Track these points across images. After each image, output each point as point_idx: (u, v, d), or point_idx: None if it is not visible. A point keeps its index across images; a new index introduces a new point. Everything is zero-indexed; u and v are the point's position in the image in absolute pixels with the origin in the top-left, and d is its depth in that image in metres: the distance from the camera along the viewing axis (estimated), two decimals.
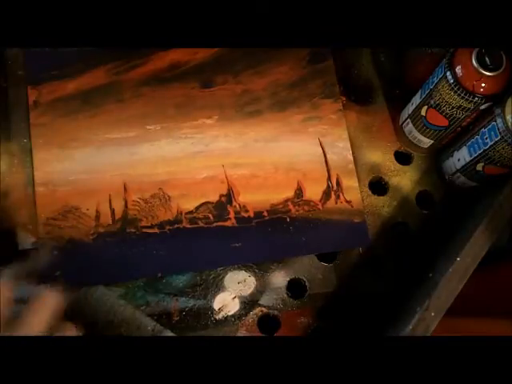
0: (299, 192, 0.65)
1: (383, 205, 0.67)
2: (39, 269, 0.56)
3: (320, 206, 0.65)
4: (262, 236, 0.63)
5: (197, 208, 0.63)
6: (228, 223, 0.63)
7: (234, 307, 0.62)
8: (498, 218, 0.57)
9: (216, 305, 0.62)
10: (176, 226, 0.62)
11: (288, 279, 0.64)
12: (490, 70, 0.53)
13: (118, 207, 0.62)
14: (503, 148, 0.55)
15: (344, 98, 0.70)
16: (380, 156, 0.69)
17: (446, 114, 0.58)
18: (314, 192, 0.66)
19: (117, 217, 0.62)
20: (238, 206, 0.64)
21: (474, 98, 0.55)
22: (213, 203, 0.64)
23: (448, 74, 0.55)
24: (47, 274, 0.57)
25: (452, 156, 0.64)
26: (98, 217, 0.61)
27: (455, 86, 0.55)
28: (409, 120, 0.65)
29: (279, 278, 0.64)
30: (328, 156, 0.67)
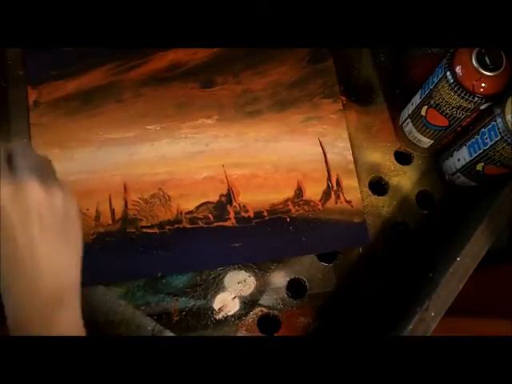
0: (299, 192, 0.65)
1: (383, 205, 0.67)
2: None
3: (320, 206, 0.65)
4: (261, 236, 0.63)
5: (197, 208, 0.63)
6: (228, 223, 0.63)
7: (233, 307, 0.62)
8: (498, 218, 0.57)
9: (216, 305, 0.62)
10: (176, 225, 0.62)
11: (288, 279, 0.64)
12: (489, 70, 0.53)
13: (118, 207, 0.62)
14: (503, 148, 0.55)
15: (344, 98, 0.70)
16: (380, 156, 0.69)
17: (446, 113, 0.58)
18: (313, 192, 0.66)
19: (117, 217, 0.62)
20: (237, 205, 0.64)
21: (473, 98, 0.55)
22: (213, 203, 0.64)
23: (448, 73, 0.55)
24: None
25: (452, 156, 0.64)
26: (97, 217, 0.61)
27: (455, 85, 0.55)
28: (409, 120, 0.65)
29: (279, 278, 0.64)
30: (328, 156, 0.67)
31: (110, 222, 0.61)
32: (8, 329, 0.38)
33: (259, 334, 0.62)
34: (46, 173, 0.41)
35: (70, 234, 0.41)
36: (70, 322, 0.40)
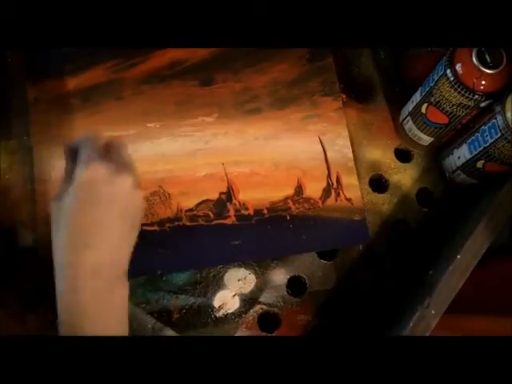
0: (299, 190, 0.65)
1: (383, 202, 0.67)
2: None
3: (320, 204, 0.65)
4: (261, 234, 0.63)
5: (197, 206, 0.63)
6: (228, 221, 0.63)
7: (234, 305, 0.62)
8: (499, 216, 0.57)
9: (216, 302, 0.62)
10: (176, 223, 0.62)
11: (288, 277, 0.64)
12: (490, 68, 0.53)
13: None
14: (503, 145, 0.55)
15: (344, 96, 0.70)
16: (380, 154, 0.69)
17: (446, 111, 0.58)
18: (314, 190, 0.66)
19: None
20: (237, 203, 0.64)
21: (474, 96, 0.55)
22: (213, 201, 0.64)
23: (448, 71, 0.55)
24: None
25: (452, 153, 0.64)
26: None
27: (455, 83, 0.55)
28: (409, 117, 0.65)
29: (279, 276, 0.64)
30: (328, 154, 0.67)
31: None
32: (57, 312, 0.41)
33: (259, 332, 0.62)
34: (113, 159, 0.45)
35: (130, 218, 0.44)
36: (121, 300, 0.43)
